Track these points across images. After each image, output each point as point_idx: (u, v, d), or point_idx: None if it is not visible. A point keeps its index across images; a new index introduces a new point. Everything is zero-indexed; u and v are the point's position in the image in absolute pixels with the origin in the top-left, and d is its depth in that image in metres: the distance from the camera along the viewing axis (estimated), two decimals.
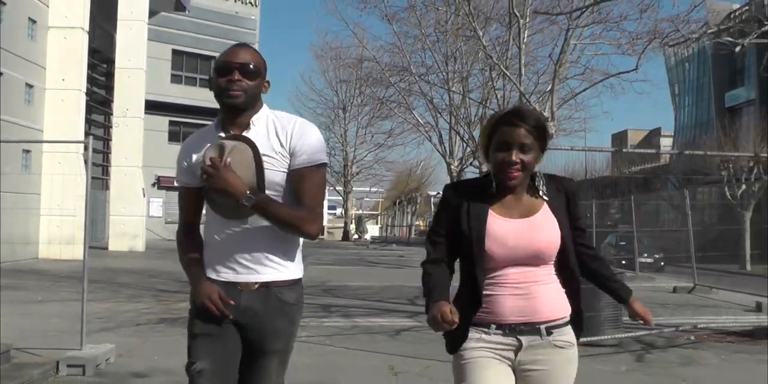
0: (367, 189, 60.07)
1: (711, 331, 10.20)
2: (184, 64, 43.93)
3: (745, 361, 8.45)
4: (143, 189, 30.07)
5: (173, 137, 41.01)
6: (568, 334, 2.84)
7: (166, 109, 39.65)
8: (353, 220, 53.46)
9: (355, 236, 51.13)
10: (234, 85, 2.96)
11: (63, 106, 24.34)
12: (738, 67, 46.42)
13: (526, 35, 22.36)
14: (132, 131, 29.50)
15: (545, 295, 2.78)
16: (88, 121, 27.49)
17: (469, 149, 29.40)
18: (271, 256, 3.04)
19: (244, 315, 3.02)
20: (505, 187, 2.81)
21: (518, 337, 2.77)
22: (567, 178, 3.07)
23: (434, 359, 7.37)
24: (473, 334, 2.80)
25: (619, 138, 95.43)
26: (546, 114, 20.97)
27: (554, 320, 2.79)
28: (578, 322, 2.90)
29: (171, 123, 41.76)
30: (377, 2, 24.88)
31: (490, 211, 2.80)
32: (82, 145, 25.31)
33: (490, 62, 23.04)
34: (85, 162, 26.47)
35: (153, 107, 33.94)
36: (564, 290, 2.84)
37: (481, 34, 21.83)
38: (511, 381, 2.80)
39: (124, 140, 29.38)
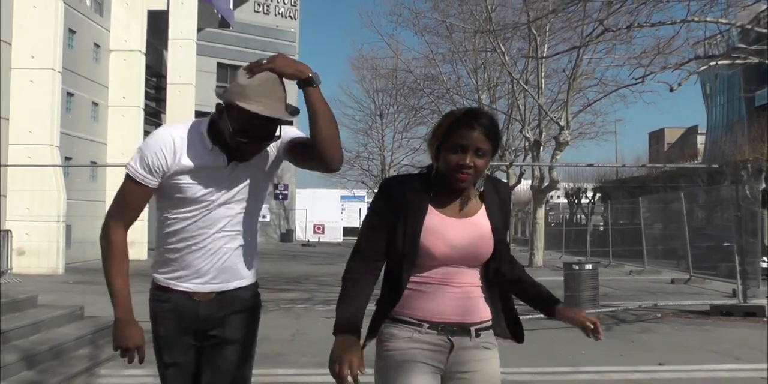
0: None
1: (677, 310, 12.17)
2: (228, 77, 46.06)
3: (691, 330, 10.42)
4: None
5: None
6: (491, 336, 2.76)
7: None
8: None
9: None
10: None
11: (124, 122, 26.97)
12: None
13: (545, 50, 24.12)
14: None
15: (478, 296, 2.72)
16: None
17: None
18: (237, 267, 2.99)
19: (206, 324, 2.97)
20: (451, 188, 2.67)
21: (450, 337, 2.67)
22: (503, 182, 3.01)
23: None
24: (404, 332, 2.67)
25: (656, 136, 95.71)
26: (562, 123, 22.88)
27: (483, 322, 2.73)
28: (516, 331, 2.85)
29: None
30: (411, 17, 26.96)
31: (430, 207, 2.68)
32: None
33: (511, 78, 24.83)
34: None
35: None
36: (488, 294, 2.76)
37: (503, 50, 23.53)
38: None
39: None
